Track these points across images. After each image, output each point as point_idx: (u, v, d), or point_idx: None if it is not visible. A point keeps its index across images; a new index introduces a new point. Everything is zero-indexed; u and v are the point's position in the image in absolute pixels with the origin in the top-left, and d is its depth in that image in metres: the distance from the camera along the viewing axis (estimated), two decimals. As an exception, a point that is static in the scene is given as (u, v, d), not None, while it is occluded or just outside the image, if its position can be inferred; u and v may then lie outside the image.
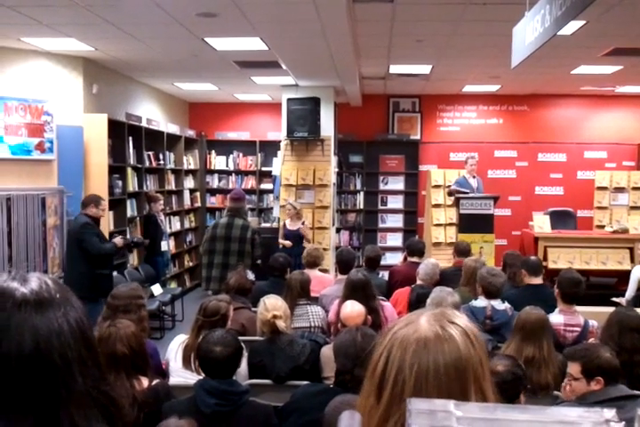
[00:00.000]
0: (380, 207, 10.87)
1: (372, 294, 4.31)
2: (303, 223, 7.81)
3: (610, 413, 0.79)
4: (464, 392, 1.05)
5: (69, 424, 0.97)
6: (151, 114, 9.21)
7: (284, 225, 7.87)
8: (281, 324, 3.69)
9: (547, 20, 3.15)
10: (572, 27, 5.54)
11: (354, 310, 3.71)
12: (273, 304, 3.81)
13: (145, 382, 2.92)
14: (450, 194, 8.62)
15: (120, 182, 7.51)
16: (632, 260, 7.91)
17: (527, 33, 3.59)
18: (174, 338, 3.84)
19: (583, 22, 5.46)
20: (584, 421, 0.79)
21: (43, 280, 1.05)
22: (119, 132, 7.46)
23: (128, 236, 7.50)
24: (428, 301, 3.96)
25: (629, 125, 10.49)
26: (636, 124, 10.50)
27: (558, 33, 3.36)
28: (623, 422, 0.79)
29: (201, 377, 2.97)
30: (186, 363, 3.46)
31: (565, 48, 6.55)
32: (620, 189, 9.64)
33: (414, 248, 6.30)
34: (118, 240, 6.22)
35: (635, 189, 9.61)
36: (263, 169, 10.79)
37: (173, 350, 3.69)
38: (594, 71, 8.09)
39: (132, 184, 7.96)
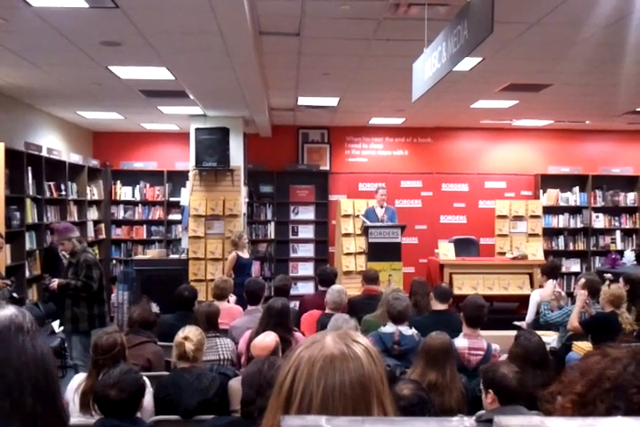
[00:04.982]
0: (291, 237, 10.89)
1: (289, 324, 4.32)
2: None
3: (469, 421, 0.84)
4: (367, 407, 1.11)
5: None
6: (52, 143, 8.88)
7: (238, 256, 7.74)
8: (189, 346, 3.59)
9: (443, 56, 3.28)
10: (470, 63, 5.81)
11: (264, 341, 3.66)
12: (190, 330, 3.73)
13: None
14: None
15: (18, 214, 7.16)
16: (532, 285, 8.25)
17: (426, 68, 3.73)
18: (74, 377, 3.66)
19: (480, 59, 5.74)
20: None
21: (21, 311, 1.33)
22: (17, 161, 7.14)
23: (27, 272, 7.20)
24: (327, 329, 3.99)
25: (526, 157, 11.06)
26: (533, 156, 11.09)
27: (457, 69, 3.52)
28: None
29: (102, 416, 2.83)
30: (84, 408, 3.27)
31: (464, 83, 6.86)
32: (518, 218, 10.08)
33: (325, 277, 6.35)
34: None
35: (532, 217, 10.09)
36: (171, 199, 10.58)
37: (72, 389, 3.50)
38: (491, 106, 8.51)
39: (32, 216, 7.61)
